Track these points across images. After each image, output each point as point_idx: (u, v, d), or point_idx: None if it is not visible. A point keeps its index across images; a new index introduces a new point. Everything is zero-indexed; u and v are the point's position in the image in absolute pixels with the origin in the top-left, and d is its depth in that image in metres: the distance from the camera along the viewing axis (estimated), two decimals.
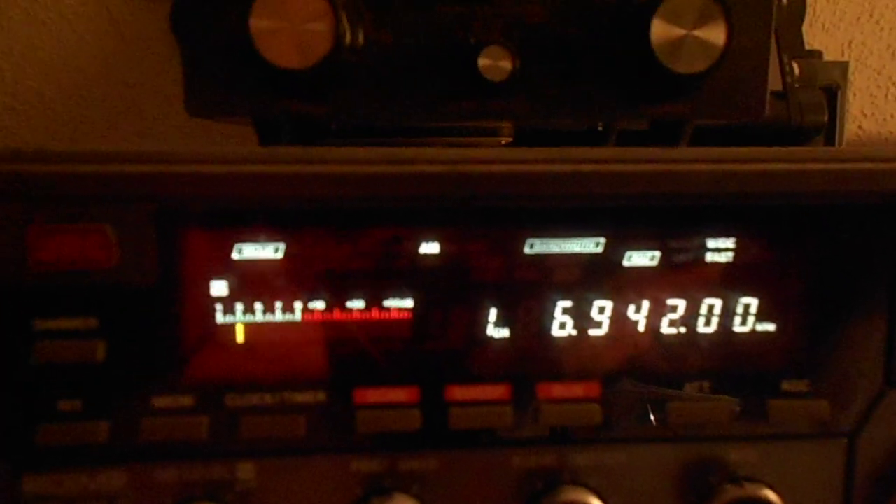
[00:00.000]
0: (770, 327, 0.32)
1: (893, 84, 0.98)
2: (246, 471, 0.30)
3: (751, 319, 0.32)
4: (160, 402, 0.29)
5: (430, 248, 0.31)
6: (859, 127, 0.97)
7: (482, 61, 0.36)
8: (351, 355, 0.31)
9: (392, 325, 0.31)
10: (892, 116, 0.99)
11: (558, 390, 0.31)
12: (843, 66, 0.72)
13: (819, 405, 0.31)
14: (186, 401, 0.30)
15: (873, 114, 0.99)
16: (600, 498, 0.31)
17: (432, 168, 0.30)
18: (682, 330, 0.32)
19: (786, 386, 0.31)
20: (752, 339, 0.32)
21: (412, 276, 0.31)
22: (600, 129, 0.55)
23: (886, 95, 0.99)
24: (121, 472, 0.30)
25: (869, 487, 0.32)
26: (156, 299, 0.29)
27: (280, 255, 0.30)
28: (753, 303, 0.32)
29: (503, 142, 0.53)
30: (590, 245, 0.32)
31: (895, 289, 0.31)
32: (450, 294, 0.31)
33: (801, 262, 0.32)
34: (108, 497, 0.30)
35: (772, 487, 0.31)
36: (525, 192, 0.30)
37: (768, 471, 0.32)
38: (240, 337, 0.31)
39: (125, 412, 0.29)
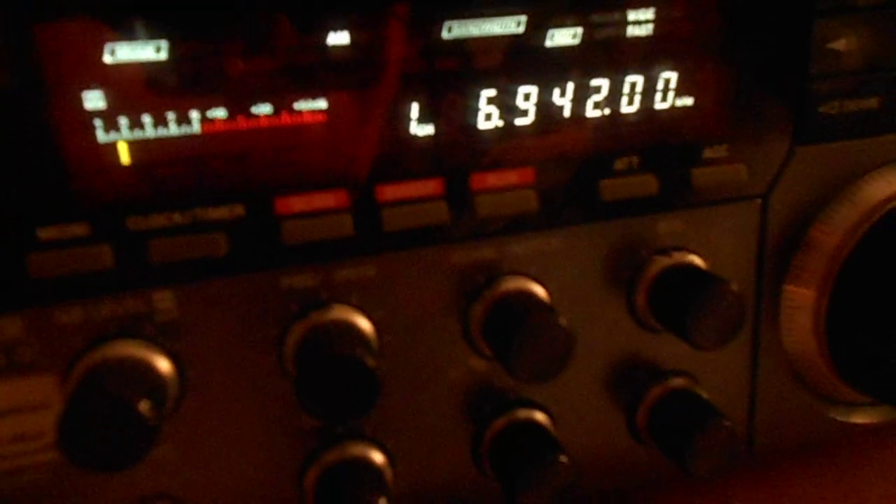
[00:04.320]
0: (689, 100, 0.32)
1: None
2: (164, 300, 0.27)
3: (671, 94, 0.32)
4: (47, 233, 0.25)
5: (338, 38, 0.28)
6: None
7: None
8: (266, 164, 0.28)
9: (306, 130, 0.28)
10: None
11: (492, 179, 0.30)
12: None
13: (737, 169, 0.32)
14: (79, 229, 0.26)
15: None
16: (540, 283, 0.31)
17: None
18: (607, 111, 0.31)
19: (707, 153, 0.32)
20: (675, 112, 0.32)
21: (322, 72, 0.28)
22: None
23: None
24: (14, 319, 0.26)
25: (778, 244, 0.34)
26: (16, 114, 0.25)
27: (164, 56, 0.26)
28: (673, 77, 0.32)
29: None
30: (511, 25, 0.29)
31: (802, 52, 0.32)
32: (366, 90, 0.29)
33: (717, 30, 0.31)
34: (5, 347, 0.26)
35: (696, 253, 0.33)
36: None
37: (692, 238, 0.33)
38: (130, 155, 0.27)
39: (6, 248, 0.25)
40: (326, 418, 0.26)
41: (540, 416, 0.33)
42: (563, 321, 0.28)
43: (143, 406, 0.24)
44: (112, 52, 0.25)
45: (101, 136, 0.26)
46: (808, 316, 0.35)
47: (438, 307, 0.31)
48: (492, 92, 0.30)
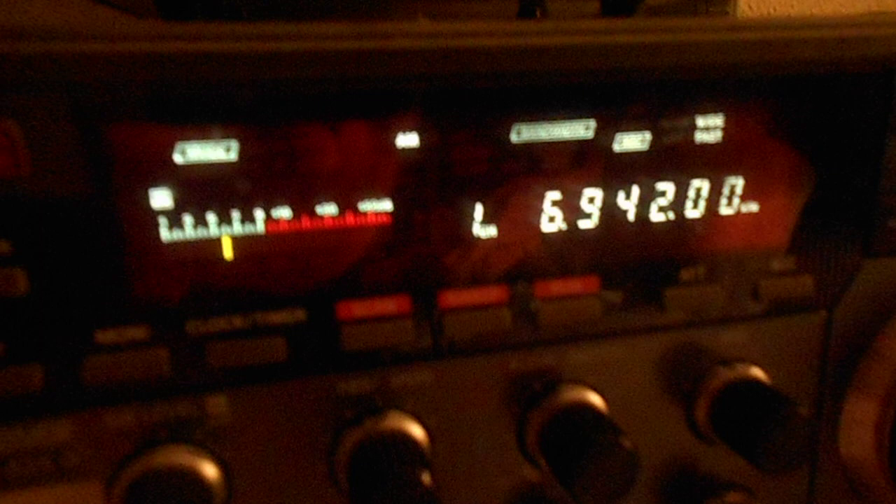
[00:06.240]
0: (755, 207, 0.31)
1: None
2: (217, 405, 0.26)
3: (737, 200, 0.31)
4: (105, 336, 0.24)
5: (408, 140, 0.27)
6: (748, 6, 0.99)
7: None
8: (328, 266, 0.27)
9: (370, 232, 0.28)
10: (774, 10, 1.02)
11: (557, 287, 0.29)
12: None
13: (804, 281, 0.31)
14: (138, 332, 0.25)
15: (758, 7, 1.02)
16: (598, 393, 0.30)
17: (413, 43, 0.25)
18: (672, 215, 0.31)
19: (775, 264, 0.31)
20: (743, 222, 0.31)
21: (389, 173, 0.27)
22: (537, 14, 0.52)
23: None
24: (64, 422, 0.25)
25: (841, 356, 0.33)
26: (83, 215, 0.24)
27: (234, 157, 0.26)
28: (739, 183, 0.31)
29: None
30: (579, 129, 0.29)
31: (873, 166, 0.31)
32: (433, 192, 0.28)
33: (786, 140, 0.31)
34: (52, 451, 0.25)
35: (758, 364, 0.32)
36: (516, 69, 0.27)
37: (755, 349, 0.32)
38: (194, 254, 0.26)
39: (62, 352, 0.24)
40: None
41: None
42: (628, 443, 0.27)
43: None
44: (183, 153, 0.25)
45: (165, 234, 0.25)
46: (870, 429, 0.34)
47: (494, 414, 0.30)
48: (556, 195, 0.29)
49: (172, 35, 0.23)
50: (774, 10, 1.01)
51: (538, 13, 0.51)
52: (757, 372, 0.31)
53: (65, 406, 0.25)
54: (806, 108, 0.30)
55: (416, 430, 0.28)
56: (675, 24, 0.28)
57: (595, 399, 0.30)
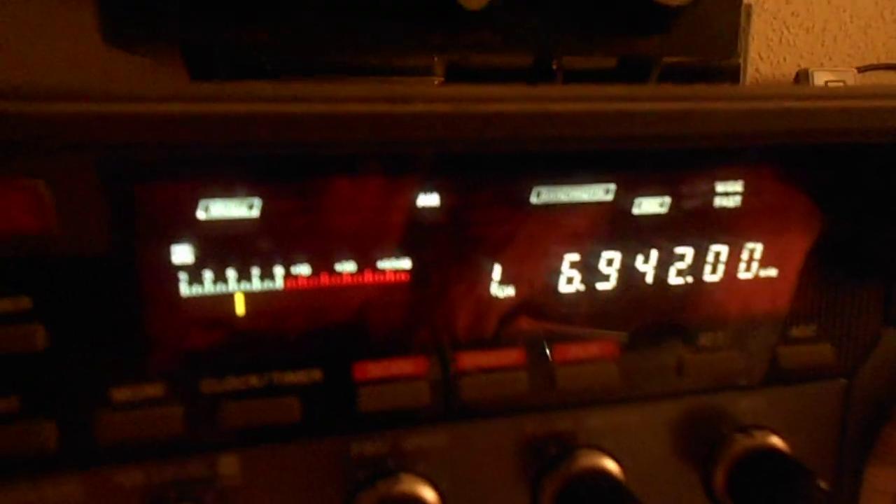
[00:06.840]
0: (773, 272, 0.31)
1: (787, 28, 1.02)
2: (228, 465, 0.26)
3: (755, 265, 0.31)
4: (121, 393, 0.24)
5: (428, 199, 0.27)
6: (756, 70, 1.00)
7: None
8: (346, 326, 0.27)
9: (388, 290, 0.28)
10: (784, 60, 1.03)
11: (575, 351, 0.29)
12: (748, 9, 0.73)
13: (824, 349, 0.31)
14: (153, 390, 0.25)
15: (769, 57, 1.03)
16: (614, 458, 0.30)
17: (434, 108, 0.26)
18: (690, 279, 0.31)
19: (794, 332, 0.31)
20: (762, 288, 0.31)
21: (409, 232, 0.27)
22: (554, 67, 0.53)
23: (780, 39, 1.03)
24: (73, 480, 0.25)
25: (861, 424, 0.33)
26: (104, 271, 0.24)
27: (256, 214, 0.26)
28: (758, 248, 0.31)
29: (435, 81, 0.49)
30: (599, 192, 0.29)
31: (893, 233, 0.31)
32: (451, 252, 0.28)
33: (805, 206, 0.31)
34: None
35: (777, 432, 0.31)
36: (538, 134, 0.27)
37: (773, 416, 0.31)
38: (212, 311, 0.26)
39: (77, 409, 0.24)
40: None
41: None
42: None
43: None
44: (206, 209, 0.25)
45: (185, 290, 0.25)
46: (891, 499, 0.33)
47: (508, 479, 0.29)
48: (575, 257, 0.29)
49: (200, 96, 0.23)
50: (784, 59, 1.02)
51: (554, 66, 0.52)
52: (775, 440, 0.31)
53: (74, 464, 0.24)
54: (825, 175, 0.31)
55: (429, 494, 0.28)
56: (692, 91, 0.28)
57: (611, 465, 0.29)
